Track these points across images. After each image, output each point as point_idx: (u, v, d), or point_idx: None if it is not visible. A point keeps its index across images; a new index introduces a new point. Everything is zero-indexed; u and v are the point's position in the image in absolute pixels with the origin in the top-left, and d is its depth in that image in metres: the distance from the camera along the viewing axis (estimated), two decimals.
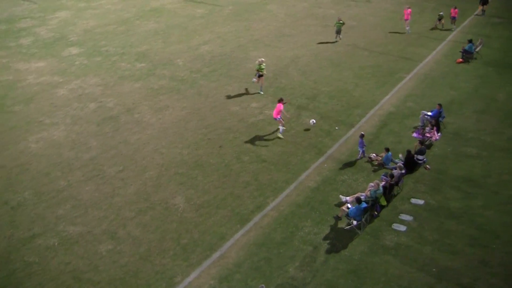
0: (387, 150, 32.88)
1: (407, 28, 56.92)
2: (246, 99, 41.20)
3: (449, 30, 57.08)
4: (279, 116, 35.55)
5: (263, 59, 41.55)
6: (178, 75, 45.53)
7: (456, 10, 57.11)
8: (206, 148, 34.91)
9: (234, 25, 58.75)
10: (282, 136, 35.89)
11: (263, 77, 41.85)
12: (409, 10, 56.66)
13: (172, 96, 41.71)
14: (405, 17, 56.94)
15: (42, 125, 37.45)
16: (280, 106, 35.47)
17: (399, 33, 56.53)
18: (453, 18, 57.26)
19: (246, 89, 42.51)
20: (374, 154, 33.53)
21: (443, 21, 57.96)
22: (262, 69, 41.40)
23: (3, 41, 53.32)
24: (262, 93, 42.04)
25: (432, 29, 57.82)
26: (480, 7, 63.16)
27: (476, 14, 63.03)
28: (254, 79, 42.05)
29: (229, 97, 41.67)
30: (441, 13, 58.47)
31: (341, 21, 52.93)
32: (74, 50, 51.03)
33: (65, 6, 65.04)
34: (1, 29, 56.82)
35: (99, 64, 47.85)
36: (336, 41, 52.56)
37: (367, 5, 66.96)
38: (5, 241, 26.59)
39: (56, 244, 26.44)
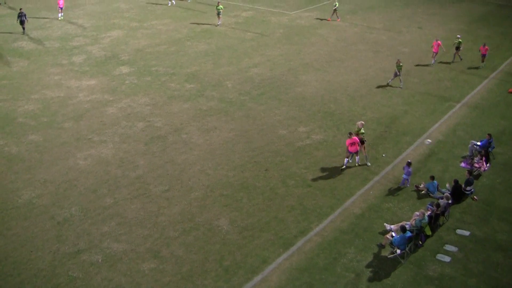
0: (432, 178, 32.52)
1: (433, 60, 55.32)
2: (293, 123, 41.17)
3: (472, 69, 54.93)
4: (357, 149, 34.96)
5: (363, 122, 36.73)
6: (227, 97, 45.75)
7: (486, 47, 54.67)
8: (252, 170, 34.94)
9: (285, 49, 58.87)
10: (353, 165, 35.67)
11: (365, 144, 36.22)
12: (439, 42, 54.80)
13: (220, 118, 41.90)
14: (434, 49, 54.98)
15: (91, 143, 37.92)
16: (357, 139, 34.68)
17: (450, 61, 55.75)
18: (483, 56, 54.99)
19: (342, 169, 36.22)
20: (422, 184, 33.17)
21: (459, 52, 55.78)
22: (363, 133, 35.84)
23: (56, 59, 54.28)
24: (369, 164, 36.07)
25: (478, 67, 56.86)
26: None
27: None
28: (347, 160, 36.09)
29: (277, 120, 41.68)
30: (459, 36, 56.12)
31: (401, 64, 48.98)
32: (125, 69, 51.67)
33: (117, 26, 65.99)
34: (55, 46, 57.86)
35: (149, 83, 48.35)
36: (389, 83, 49.78)
37: (418, 31, 66.56)
38: (51, 255, 26.89)
39: (100, 260, 26.66)
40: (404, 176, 33.30)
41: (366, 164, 35.84)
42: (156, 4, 77.64)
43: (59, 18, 68.14)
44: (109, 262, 26.57)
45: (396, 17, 73.16)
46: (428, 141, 36.68)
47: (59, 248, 27.37)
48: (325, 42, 61.81)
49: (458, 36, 56.29)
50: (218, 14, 66.96)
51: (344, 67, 53.84)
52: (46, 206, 30.72)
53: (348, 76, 51.34)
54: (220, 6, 66.86)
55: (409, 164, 33.14)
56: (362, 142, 35.67)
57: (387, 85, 49.18)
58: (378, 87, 48.81)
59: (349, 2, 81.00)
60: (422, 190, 32.70)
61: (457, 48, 55.36)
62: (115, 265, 26.37)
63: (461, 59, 56.12)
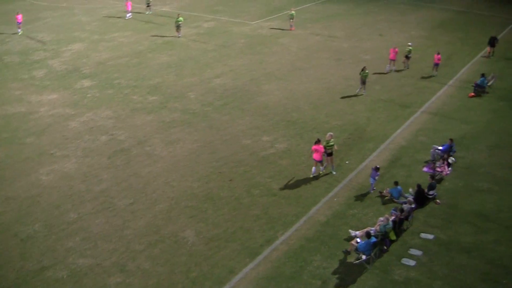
0: (396, 183, 32.77)
1: (389, 67, 55.47)
2: (257, 133, 41.22)
3: (431, 76, 54.91)
4: (321, 158, 35.07)
5: (331, 134, 36.50)
6: (190, 108, 45.69)
7: (439, 56, 54.53)
8: (217, 181, 34.91)
9: (247, 59, 58.95)
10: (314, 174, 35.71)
11: (332, 156, 35.91)
12: (396, 49, 55.05)
13: (184, 129, 41.82)
14: (391, 56, 55.07)
15: (54, 158, 37.61)
16: (321, 148, 34.87)
17: (401, 69, 55.89)
18: (436, 65, 55.00)
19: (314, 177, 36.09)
20: (386, 189, 33.41)
21: (409, 61, 56.06)
22: (331, 145, 35.55)
23: (17, 73, 53.82)
24: (335, 173, 36.07)
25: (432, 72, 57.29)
26: (489, 49, 61.12)
27: (483, 56, 61.20)
28: (322, 168, 36.41)
29: (240, 130, 41.71)
30: (410, 44, 56.90)
31: (367, 71, 49.11)
32: (86, 83, 51.40)
33: (78, 39, 65.64)
34: (15, 61, 57.39)
35: (111, 96, 48.13)
36: (357, 93, 49.48)
37: (379, 39, 67.01)
38: (15, 273, 26.59)
39: (65, 276, 26.41)
40: (371, 180, 33.53)
41: (331, 173, 35.96)
42: (117, 17, 77.32)
43: (19, 33, 67.49)
44: (75, 278, 26.33)
45: (357, 25, 73.65)
46: (452, 159, 36.64)
47: (23, 266, 27.07)
48: (287, 51, 62.00)
49: (409, 44, 56.91)
50: (178, 27, 66.87)
51: (306, 76, 54.01)
52: (9, 223, 30.39)
53: (310, 85, 51.52)
54: (180, 18, 66.80)
55: (377, 169, 33.34)
56: (330, 154, 35.69)
57: (355, 95, 49.09)
58: (341, 95, 49.01)
59: (310, 10, 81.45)
60: (386, 196, 32.93)
61: (407, 57, 55.77)
62: (81, 281, 26.14)
63: (407, 68, 56.20)
